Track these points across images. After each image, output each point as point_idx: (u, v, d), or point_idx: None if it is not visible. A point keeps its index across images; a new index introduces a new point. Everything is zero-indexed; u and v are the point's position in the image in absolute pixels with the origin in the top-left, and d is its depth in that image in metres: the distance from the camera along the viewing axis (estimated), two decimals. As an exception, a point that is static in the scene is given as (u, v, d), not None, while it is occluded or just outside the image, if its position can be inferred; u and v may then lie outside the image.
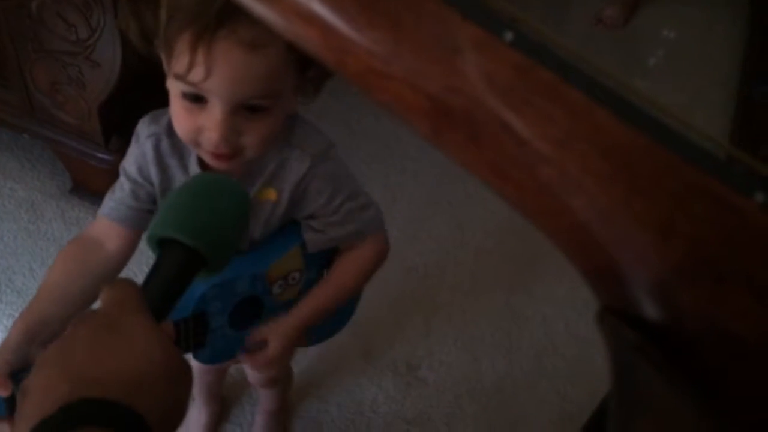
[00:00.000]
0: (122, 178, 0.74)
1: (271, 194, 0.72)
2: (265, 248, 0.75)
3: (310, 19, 0.21)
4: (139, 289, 0.46)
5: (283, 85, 0.62)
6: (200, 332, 0.74)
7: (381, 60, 0.22)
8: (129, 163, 0.73)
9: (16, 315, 0.65)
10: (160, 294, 0.47)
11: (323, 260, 0.81)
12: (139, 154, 0.71)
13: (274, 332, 0.78)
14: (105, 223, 0.73)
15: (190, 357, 0.92)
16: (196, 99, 0.60)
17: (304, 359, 1.31)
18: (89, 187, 1.54)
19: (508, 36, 0.22)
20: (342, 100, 1.84)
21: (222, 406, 1.22)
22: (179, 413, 0.42)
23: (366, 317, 1.39)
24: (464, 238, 1.61)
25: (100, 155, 1.41)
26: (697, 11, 2.33)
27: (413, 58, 0.22)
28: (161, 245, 0.49)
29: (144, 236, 0.56)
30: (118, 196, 0.73)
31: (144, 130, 0.71)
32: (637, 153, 0.24)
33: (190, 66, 0.58)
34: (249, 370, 1.07)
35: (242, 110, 0.61)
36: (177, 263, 0.48)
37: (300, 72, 0.64)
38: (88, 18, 1.25)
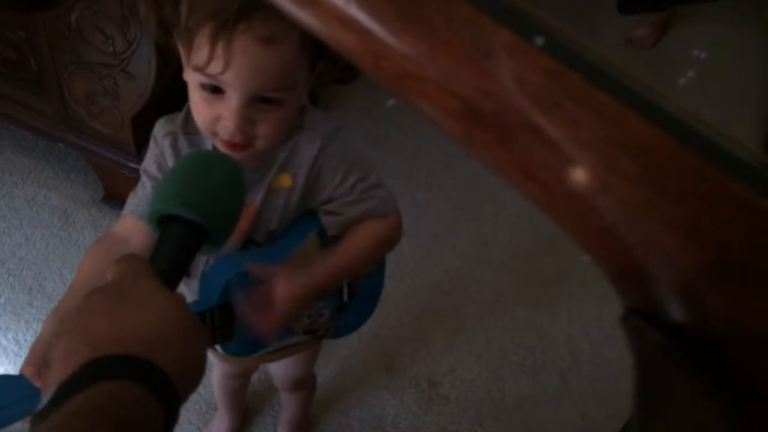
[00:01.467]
0: (143, 178, 0.76)
1: (286, 180, 0.74)
2: (283, 238, 0.77)
3: (348, 23, 0.22)
4: (145, 260, 0.48)
5: (296, 79, 0.65)
6: (226, 322, 0.74)
7: (415, 63, 0.23)
8: (149, 163, 0.76)
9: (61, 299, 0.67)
10: (165, 266, 0.48)
11: None
12: (158, 153, 0.75)
13: (284, 284, 0.73)
14: (129, 220, 0.75)
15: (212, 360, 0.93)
16: (214, 90, 0.64)
17: (326, 372, 1.32)
18: (121, 197, 1.57)
19: (540, 41, 0.23)
20: (369, 115, 1.86)
21: (244, 416, 1.23)
22: (197, 369, 0.44)
23: (389, 332, 1.40)
24: (489, 255, 1.61)
25: (132, 165, 1.45)
26: (729, 31, 2.31)
27: (447, 62, 0.23)
28: (162, 225, 0.50)
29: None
30: (140, 194, 0.76)
31: (161, 130, 0.75)
32: (664, 155, 0.24)
33: (210, 59, 0.61)
34: (275, 371, 1.07)
35: (257, 101, 0.64)
36: (179, 236, 0.50)
37: (311, 67, 0.67)
38: (125, 31, 1.29)
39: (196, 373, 0.44)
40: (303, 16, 0.23)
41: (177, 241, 0.50)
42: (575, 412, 1.31)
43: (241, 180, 0.56)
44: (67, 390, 0.37)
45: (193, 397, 1.26)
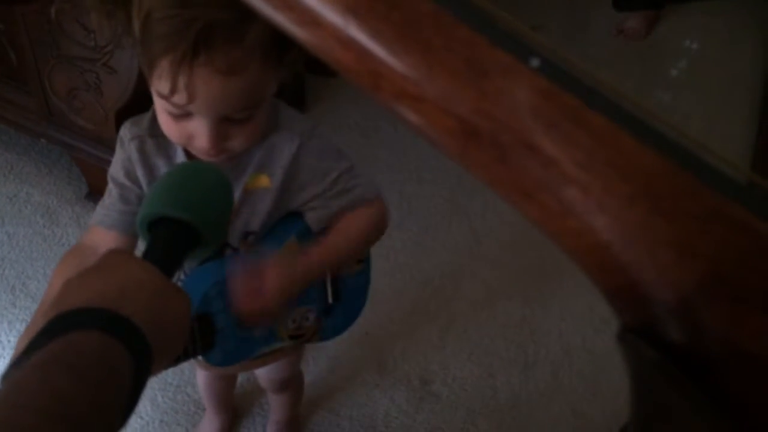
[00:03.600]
0: (110, 185, 0.75)
1: (264, 180, 0.73)
2: (261, 244, 0.76)
3: (347, 43, 0.23)
4: (127, 250, 0.48)
5: (264, 93, 0.66)
6: (207, 333, 0.74)
7: (414, 83, 0.23)
8: (116, 169, 0.75)
9: (30, 320, 0.66)
10: (155, 265, 0.48)
11: None
12: (125, 158, 0.74)
13: (272, 272, 0.72)
14: (97, 230, 0.74)
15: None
16: (183, 115, 0.64)
17: (316, 370, 1.33)
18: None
19: (535, 62, 0.24)
20: (358, 107, 1.86)
21: (233, 417, 1.24)
22: (174, 324, 0.45)
23: (380, 329, 1.40)
24: (480, 250, 1.62)
25: (116, 161, 1.44)
26: (720, 22, 2.33)
27: (444, 82, 0.24)
28: (152, 229, 0.51)
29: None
30: (108, 203, 0.75)
31: (127, 133, 0.74)
32: (658, 176, 0.25)
33: (172, 92, 0.61)
34: (260, 373, 1.08)
35: (228, 121, 0.65)
36: (169, 237, 0.50)
37: (278, 66, 0.66)
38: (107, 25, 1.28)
39: (174, 330, 0.45)
40: (302, 35, 0.23)
41: (167, 241, 0.50)
42: (567, 409, 1.33)
43: (228, 184, 0.57)
44: (30, 347, 0.37)
45: (182, 399, 1.26)
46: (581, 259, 0.25)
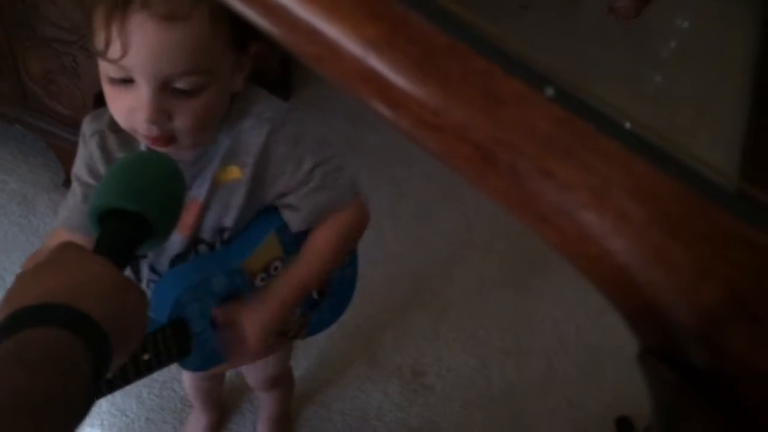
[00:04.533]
0: (74, 184, 0.75)
1: (235, 172, 0.71)
2: (237, 242, 0.75)
3: (367, 76, 0.24)
4: (79, 244, 0.49)
5: (213, 62, 0.62)
6: (181, 339, 0.74)
7: (431, 112, 0.24)
8: (79, 167, 0.74)
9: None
10: (105, 256, 0.49)
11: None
12: (87, 155, 0.73)
13: (251, 321, 0.75)
14: (61, 232, 0.73)
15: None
16: (124, 81, 0.61)
17: (306, 364, 1.34)
18: (83, 181, 1.56)
19: (549, 91, 0.25)
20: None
21: (222, 413, 1.25)
22: (131, 318, 0.46)
23: (371, 321, 1.42)
24: (473, 238, 1.64)
25: (95, 148, 1.43)
26: (712, 1, 2.35)
27: (461, 111, 0.25)
28: (103, 221, 0.52)
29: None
30: (72, 203, 0.74)
31: (87, 129, 0.73)
32: (672, 199, 0.26)
33: (107, 43, 0.58)
34: (247, 372, 1.09)
35: (173, 91, 0.61)
36: (119, 227, 0.51)
37: (238, 48, 0.64)
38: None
39: (132, 324, 0.46)
40: (323, 67, 0.24)
41: (118, 233, 0.51)
42: (563, 399, 1.36)
43: (179, 173, 0.58)
44: None
45: (168, 395, 1.27)
46: (600, 282, 0.26)
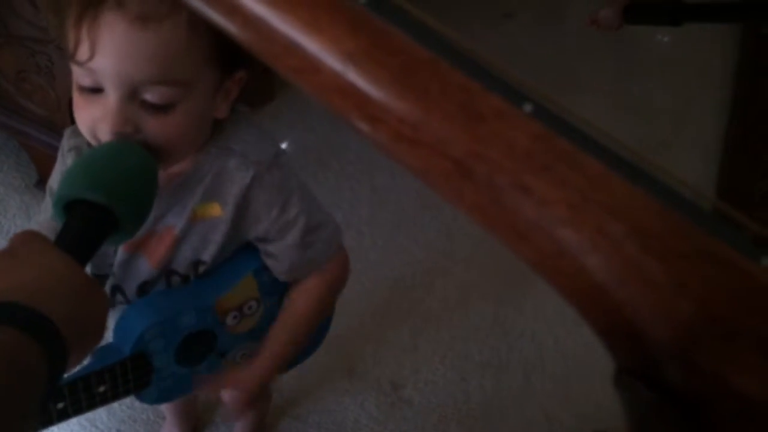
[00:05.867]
0: (47, 199, 0.73)
1: (215, 209, 0.69)
2: (212, 279, 0.74)
3: (346, 89, 0.24)
4: (41, 233, 0.48)
5: (187, 75, 0.59)
6: (142, 373, 0.73)
7: (410, 127, 0.25)
8: (54, 180, 0.72)
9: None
10: (68, 247, 0.48)
11: (282, 286, 0.79)
12: (63, 170, 0.71)
13: (240, 388, 0.79)
14: None
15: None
16: (93, 90, 0.59)
17: (282, 376, 1.33)
18: (55, 183, 1.55)
19: (528, 107, 0.26)
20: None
21: (195, 426, 1.24)
22: (92, 322, 0.45)
23: (350, 331, 1.42)
24: (453, 248, 1.64)
25: (69, 150, 1.42)
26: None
27: (440, 126, 0.25)
28: (68, 210, 0.51)
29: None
30: (42, 219, 0.72)
31: (66, 144, 0.71)
32: (649, 216, 0.27)
33: (76, 44, 0.56)
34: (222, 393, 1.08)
35: (141, 103, 0.58)
36: (83, 218, 0.51)
37: (222, 70, 0.62)
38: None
39: (91, 325, 0.45)
40: (302, 80, 0.24)
41: (80, 223, 0.51)
42: (540, 413, 1.36)
43: (153, 168, 0.56)
44: None
45: (139, 406, 1.26)
46: (576, 299, 0.27)
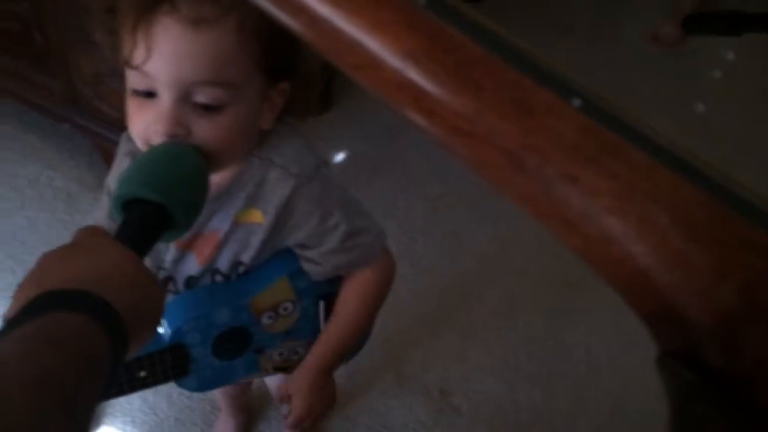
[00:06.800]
0: (104, 197, 0.77)
1: (257, 216, 0.72)
2: (247, 279, 0.77)
3: (405, 85, 0.26)
4: (104, 228, 0.52)
5: (237, 77, 0.61)
6: (180, 363, 0.78)
7: (465, 120, 0.27)
8: (110, 179, 0.77)
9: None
10: (126, 243, 0.51)
11: (318, 289, 0.81)
12: (118, 171, 0.75)
13: (294, 387, 0.81)
14: None
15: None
16: (147, 95, 0.61)
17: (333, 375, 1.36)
18: (126, 182, 1.62)
19: (577, 102, 0.27)
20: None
21: (249, 418, 1.28)
22: (151, 312, 0.48)
23: (400, 336, 1.43)
24: (506, 258, 1.64)
25: (139, 151, 1.48)
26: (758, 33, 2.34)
27: (493, 119, 0.27)
28: (127, 208, 0.55)
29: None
30: (99, 215, 0.77)
31: (122, 147, 0.75)
32: (694, 206, 0.28)
33: (132, 48, 0.59)
34: (270, 382, 1.11)
35: (193, 105, 0.61)
36: (141, 216, 0.54)
37: (268, 79, 0.64)
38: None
39: (149, 316, 0.48)
40: (362, 77, 0.27)
41: (138, 220, 0.54)
42: (591, 430, 1.35)
43: (205, 169, 0.60)
44: (12, 323, 0.40)
45: (197, 397, 1.30)
46: (621, 285, 0.28)
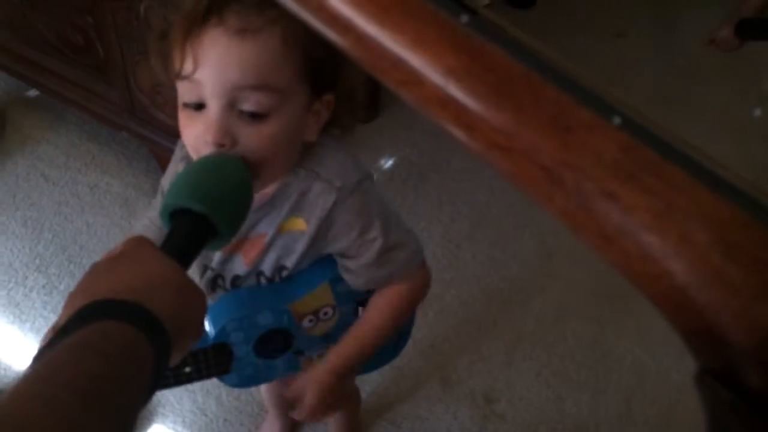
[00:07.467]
0: (158, 197, 0.80)
1: (300, 224, 0.73)
2: (290, 283, 0.78)
3: (446, 101, 0.27)
4: (149, 239, 0.53)
5: (281, 84, 0.63)
6: (223, 361, 0.81)
7: (504, 136, 0.27)
8: (166, 181, 0.80)
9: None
10: (172, 253, 0.53)
11: (357, 295, 0.82)
12: (174, 174, 0.78)
13: (309, 382, 0.82)
14: None
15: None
16: (197, 107, 0.63)
17: (378, 380, 1.37)
18: (180, 188, 1.67)
19: (617, 120, 0.27)
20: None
21: (295, 422, 1.29)
22: (193, 322, 0.50)
23: (445, 342, 1.43)
24: (552, 266, 1.63)
25: (193, 159, 1.53)
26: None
27: (532, 136, 0.27)
28: (173, 218, 0.56)
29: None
30: (153, 215, 0.79)
31: (178, 152, 0.78)
32: (734, 225, 0.28)
33: (182, 60, 0.62)
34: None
35: (239, 114, 0.62)
36: (186, 226, 0.56)
37: (313, 90, 0.66)
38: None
39: (191, 326, 0.50)
40: (405, 92, 0.27)
41: (184, 230, 0.56)
42: (639, 440, 1.32)
43: (249, 182, 0.61)
44: (62, 331, 0.42)
45: (246, 399, 1.33)
46: (660, 301, 0.28)
